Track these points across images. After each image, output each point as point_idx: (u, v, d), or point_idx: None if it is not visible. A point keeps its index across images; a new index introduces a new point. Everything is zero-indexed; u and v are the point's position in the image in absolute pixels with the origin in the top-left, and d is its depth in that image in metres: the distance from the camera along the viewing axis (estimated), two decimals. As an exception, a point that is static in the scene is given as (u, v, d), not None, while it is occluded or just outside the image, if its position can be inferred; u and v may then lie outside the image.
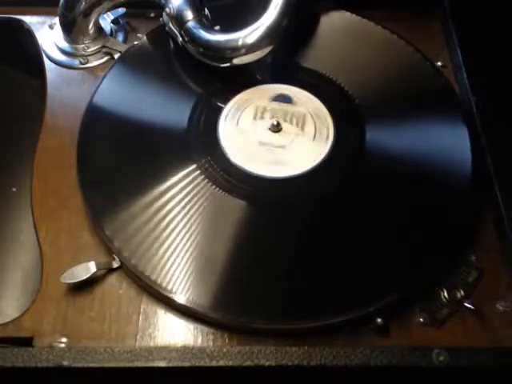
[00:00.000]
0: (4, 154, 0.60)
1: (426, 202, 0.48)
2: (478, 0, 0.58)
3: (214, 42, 0.53)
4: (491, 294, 0.45)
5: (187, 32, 0.54)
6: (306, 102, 0.54)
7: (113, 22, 0.62)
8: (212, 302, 0.43)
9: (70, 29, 0.59)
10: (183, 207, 0.48)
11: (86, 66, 0.59)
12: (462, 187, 0.49)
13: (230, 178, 0.49)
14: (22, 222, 0.55)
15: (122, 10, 0.62)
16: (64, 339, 0.43)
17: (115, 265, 0.46)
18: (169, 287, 0.44)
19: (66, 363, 0.39)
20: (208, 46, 0.54)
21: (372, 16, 0.59)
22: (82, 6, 0.57)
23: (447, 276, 0.45)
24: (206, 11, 0.56)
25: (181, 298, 0.44)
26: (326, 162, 0.50)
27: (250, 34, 0.52)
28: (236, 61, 0.53)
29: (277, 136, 0.52)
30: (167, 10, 0.55)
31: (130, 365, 0.39)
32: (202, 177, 0.49)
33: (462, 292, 0.44)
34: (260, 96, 0.54)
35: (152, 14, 0.62)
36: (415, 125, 0.53)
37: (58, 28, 0.60)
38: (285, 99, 0.54)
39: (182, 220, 0.47)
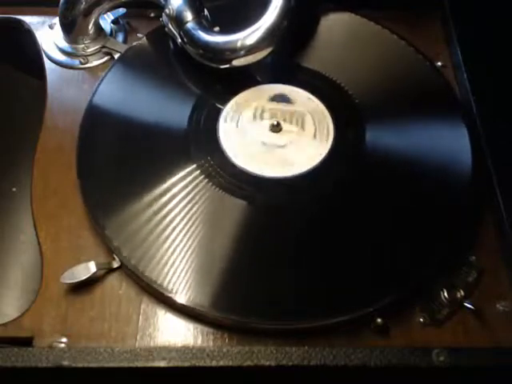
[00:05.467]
0: (4, 153, 0.59)
1: (426, 202, 0.48)
2: (478, 0, 0.58)
3: (213, 43, 0.53)
4: (491, 294, 0.45)
5: (186, 33, 0.54)
6: (306, 101, 0.54)
7: (113, 22, 0.62)
8: (212, 302, 0.43)
9: (70, 29, 0.59)
10: (183, 207, 0.48)
11: (85, 65, 0.59)
12: (462, 187, 0.49)
13: (231, 178, 0.49)
14: (22, 222, 0.55)
15: (122, 10, 0.62)
16: (64, 339, 0.43)
17: (115, 265, 0.46)
18: (169, 287, 0.44)
19: (65, 363, 0.39)
20: (207, 48, 0.53)
21: (372, 16, 0.59)
22: (82, 5, 0.57)
23: (447, 276, 0.45)
24: (206, 12, 0.56)
25: (181, 297, 0.44)
26: (326, 162, 0.50)
27: (249, 36, 0.52)
28: (235, 62, 0.53)
29: (277, 136, 0.52)
30: (167, 10, 0.55)
31: (130, 365, 0.39)
32: (203, 177, 0.49)
33: (462, 292, 0.44)
34: (260, 96, 0.54)
35: (152, 14, 0.62)
36: (415, 125, 0.53)
37: (58, 28, 0.60)
38: (283, 99, 0.54)
39: (182, 220, 0.47)
